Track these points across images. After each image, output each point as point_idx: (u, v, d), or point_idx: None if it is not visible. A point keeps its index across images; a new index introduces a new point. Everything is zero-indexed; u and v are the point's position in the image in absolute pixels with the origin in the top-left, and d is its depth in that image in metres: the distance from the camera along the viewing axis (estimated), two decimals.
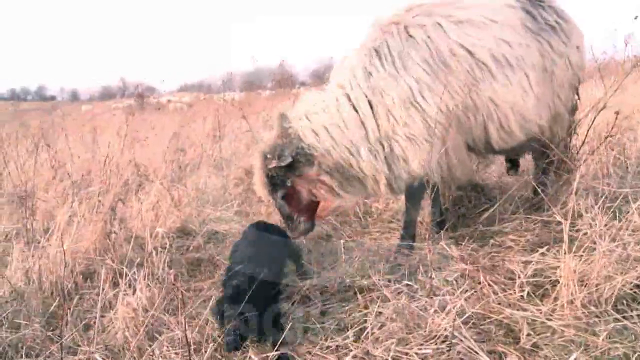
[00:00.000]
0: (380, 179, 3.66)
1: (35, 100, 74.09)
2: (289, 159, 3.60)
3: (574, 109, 4.29)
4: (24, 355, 2.92)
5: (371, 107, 3.59)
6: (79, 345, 2.94)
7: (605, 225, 3.16)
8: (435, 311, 2.76)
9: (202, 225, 4.78)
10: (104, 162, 5.26)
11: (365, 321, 2.87)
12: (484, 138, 3.78)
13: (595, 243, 2.98)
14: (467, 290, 3.00)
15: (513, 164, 4.90)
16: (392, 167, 3.65)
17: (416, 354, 2.52)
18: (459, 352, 2.50)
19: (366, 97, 3.60)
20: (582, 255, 2.92)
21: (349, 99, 3.64)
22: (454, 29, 3.66)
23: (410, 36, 3.65)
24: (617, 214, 3.34)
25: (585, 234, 3.27)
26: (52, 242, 3.91)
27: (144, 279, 3.32)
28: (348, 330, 2.85)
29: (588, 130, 4.26)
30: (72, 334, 3.02)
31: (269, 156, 3.69)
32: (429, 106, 3.50)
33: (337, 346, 2.74)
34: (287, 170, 3.66)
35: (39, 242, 4.09)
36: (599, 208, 3.32)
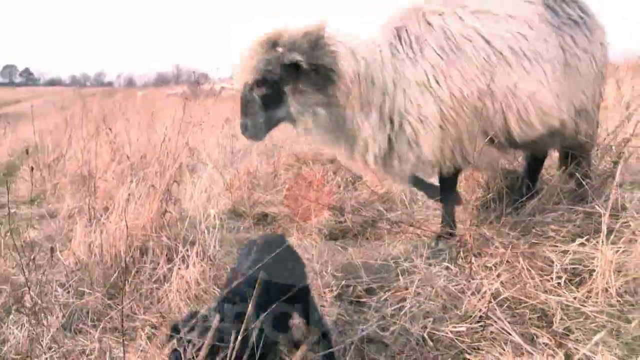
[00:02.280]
0: (370, 148, 3.53)
1: (94, 86, 76.43)
2: (314, 60, 3.26)
3: (599, 105, 4.25)
4: (88, 320, 3.17)
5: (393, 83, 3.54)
6: (135, 313, 3.17)
7: None
8: (472, 293, 2.86)
9: (252, 208, 4.98)
10: (159, 146, 5.51)
11: (405, 299, 3.00)
12: (505, 128, 3.73)
13: (635, 234, 3.03)
14: (503, 275, 3.08)
15: (532, 176, 4.61)
16: (395, 146, 3.56)
17: (450, 331, 2.65)
18: (492, 332, 2.61)
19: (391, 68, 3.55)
20: (620, 247, 2.98)
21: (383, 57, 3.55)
22: (472, 18, 3.66)
23: (428, 23, 3.65)
24: None
25: (628, 226, 3.31)
26: (111, 219, 4.18)
27: (196, 256, 3.52)
28: (388, 308, 2.98)
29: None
30: (130, 302, 3.25)
31: (280, 47, 3.30)
32: (442, 92, 3.51)
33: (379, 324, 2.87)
34: (290, 74, 3.28)
35: (99, 219, 4.36)
36: None
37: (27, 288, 3.08)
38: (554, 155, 4.67)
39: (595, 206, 3.35)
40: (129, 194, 4.52)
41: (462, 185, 4.66)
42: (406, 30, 3.66)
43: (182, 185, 5.37)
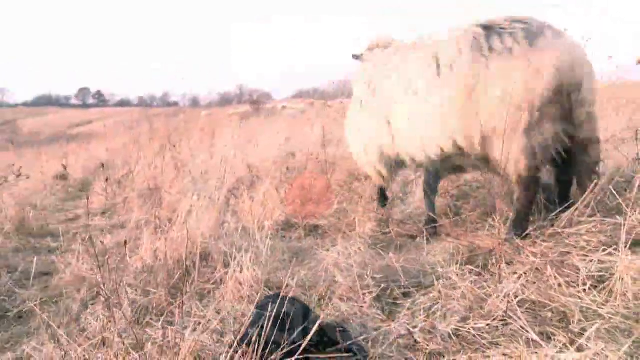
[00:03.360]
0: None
1: (160, 106, 79.18)
2: None
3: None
4: (152, 315, 3.59)
5: None
6: (193, 310, 3.56)
7: None
8: (498, 296, 3.11)
9: (304, 220, 5.33)
10: (220, 162, 5.98)
11: (437, 301, 3.28)
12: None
13: None
14: (530, 280, 3.31)
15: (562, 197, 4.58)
16: None
17: (473, 328, 2.90)
18: (511, 330, 2.85)
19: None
20: None
21: None
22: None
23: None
24: None
25: None
26: (175, 228, 4.62)
27: (250, 261, 3.89)
28: (421, 311, 3.26)
29: None
30: (190, 302, 3.64)
31: None
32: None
33: (410, 323, 3.15)
34: None
35: (164, 229, 4.81)
36: None
37: (102, 284, 3.50)
38: None
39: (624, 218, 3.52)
40: (191, 206, 4.96)
41: (501, 198, 4.88)
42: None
43: (240, 198, 5.80)
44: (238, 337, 2.65)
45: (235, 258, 3.93)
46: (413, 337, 2.98)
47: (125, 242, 4.13)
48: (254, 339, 2.50)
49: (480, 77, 4.01)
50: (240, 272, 3.81)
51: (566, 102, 3.92)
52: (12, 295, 4.33)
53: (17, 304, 4.13)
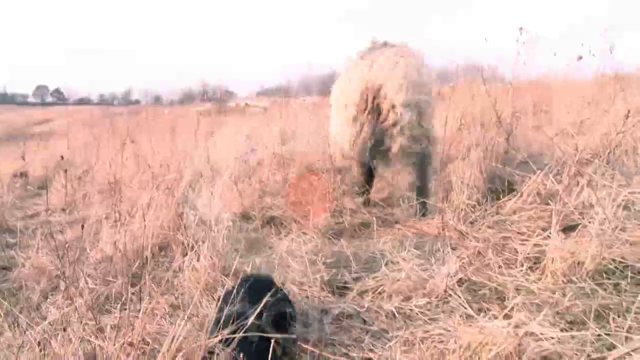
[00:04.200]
0: None
1: (121, 104, 78.25)
2: None
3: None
4: (112, 302, 3.71)
5: None
6: (152, 297, 3.69)
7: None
8: (439, 277, 3.33)
9: (261, 212, 5.49)
10: (180, 158, 6.09)
11: (384, 284, 3.49)
12: None
13: (587, 227, 3.47)
14: (472, 262, 3.55)
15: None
16: None
17: (415, 305, 3.12)
18: (451, 307, 3.07)
19: None
20: (574, 238, 3.43)
21: None
22: None
23: None
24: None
25: (591, 222, 3.75)
26: (134, 220, 4.73)
27: (207, 250, 4.03)
28: (369, 292, 3.46)
29: None
30: (148, 288, 3.77)
31: None
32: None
33: (358, 303, 3.35)
34: None
35: (124, 222, 4.91)
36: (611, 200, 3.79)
37: (62, 273, 3.61)
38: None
39: (566, 205, 3.81)
40: (150, 198, 5.07)
41: (454, 188, 5.12)
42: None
43: (199, 192, 5.92)
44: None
45: (192, 248, 4.07)
46: (360, 316, 3.18)
47: (83, 226, 4.23)
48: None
49: None
50: (198, 260, 3.95)
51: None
52: None
53: None
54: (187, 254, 4.08)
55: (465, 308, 3.03)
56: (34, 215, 7.73)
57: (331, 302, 3.40)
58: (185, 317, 2.46)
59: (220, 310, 2.65)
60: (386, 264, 3.80)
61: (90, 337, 2.86)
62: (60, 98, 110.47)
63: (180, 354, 2.29)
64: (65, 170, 7.92)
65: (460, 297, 3.11)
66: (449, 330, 2.82)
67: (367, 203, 5.59)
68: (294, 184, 5.75)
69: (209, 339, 2.46)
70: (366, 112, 4.80)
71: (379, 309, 3.22)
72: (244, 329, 2.41)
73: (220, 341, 2.43)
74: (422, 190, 5.10)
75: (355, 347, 2.87)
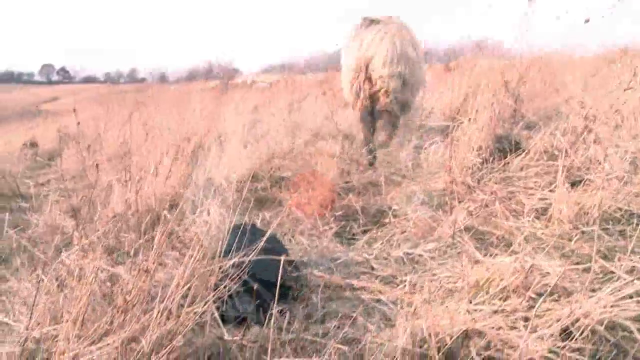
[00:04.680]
0: None
1: (127, 82, 78.08)
2: None
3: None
4: (125, 256, 3.79)
5: None
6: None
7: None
8: (447, 224, 3.38)
9: (270, 172, 5.54)
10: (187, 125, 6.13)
11: (393, 234, 3.54)
12: None
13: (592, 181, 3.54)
14: (479, 213, 3.59)
15: None
16: None
17: (424, 250, 3.17)
18: (458, 252, 3.12)
19: None
20: (580, 190, 3.48)
21: None
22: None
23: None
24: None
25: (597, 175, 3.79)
26: (145, 182, 4.79)
27: (217, 206, 4.09)
28: (377, 242, 3.52)
29: None
30: (159, 240, 3.84)
31: None
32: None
33: (367, 251, 3.41)
34: None
35: (135, 181, 4.97)
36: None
37: (76, 227, 3.68)
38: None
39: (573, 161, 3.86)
40: (159, 160, 5.13)
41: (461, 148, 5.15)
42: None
43: (208, 154, 5.98)
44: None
45: (202, 204, 4.13)
46: (369, 263, 3.24)
47: (95, 183, 4.29)
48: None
49: None
50: (208, 214, 4.01)
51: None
52: None
53: None
54: (196, 213, 4.15)
55: (472, 252, 3.07)
56: (44, 184, 7.82)
57: (340, 252, 3.46)
58: (198, 247, 2.50)
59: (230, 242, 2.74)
60: (395, 216, 3.85)
61: (108, 267, 2.93)
62: (66, 77, 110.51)
63: (195, 278, 2.34)
64: (78, 142, 7.99)
65: (467, 242, 3.15)
66: (457, 272, 2.87)
67: (373, 164, 5.78)
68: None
69: (221, 261, 2.52)
70: (361, 79, 5.68)
71: (388, 256, 3.28)
72: (256, 249, 2.49)
73: (232, 265, 2.51)
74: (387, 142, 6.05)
75: (365, 289, 2.93)
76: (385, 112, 5.72)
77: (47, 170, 9.25)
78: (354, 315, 2.52)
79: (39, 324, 2.37)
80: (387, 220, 3.86)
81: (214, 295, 2.31)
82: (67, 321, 2.14)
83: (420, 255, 3.20)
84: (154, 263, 2.39)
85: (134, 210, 4.36)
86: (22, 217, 5.31)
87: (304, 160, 6.01)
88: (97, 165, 7.01)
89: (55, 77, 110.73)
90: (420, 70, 5.86)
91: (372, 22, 5.84)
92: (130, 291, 2.23)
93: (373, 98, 5.67)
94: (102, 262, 2.73)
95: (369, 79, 5.61)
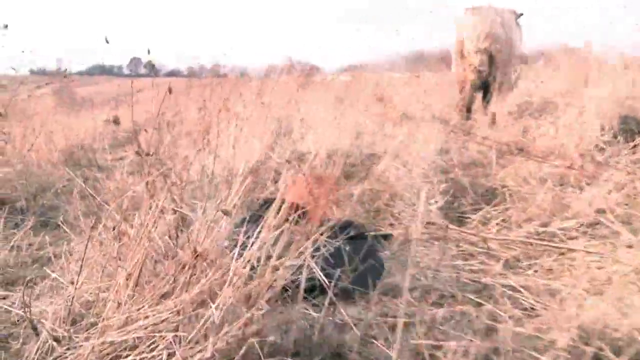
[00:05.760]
0: None
1: (210, 76, 79.82)
2: None
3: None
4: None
5: None
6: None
7: None
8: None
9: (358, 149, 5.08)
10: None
11: (511, 213, 2.96)
12: None
13: None
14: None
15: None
16: None
17: (559, 229, 2.57)
18: (600, 234, 2.53)
19: None
20: None
21: None
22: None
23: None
24: None
25: None
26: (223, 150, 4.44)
27: (301, 175, 3.65)
28: (492, 221, 2.94)
29: None
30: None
31: None
32: None
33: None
34: None
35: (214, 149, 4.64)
36: None
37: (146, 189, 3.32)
38: None
39: None
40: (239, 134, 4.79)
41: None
42: None
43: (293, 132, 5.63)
44: None
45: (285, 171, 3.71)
46: (487, 244, 2.67)
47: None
48: None
49: None
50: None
51: None
52: (56, 208, 4.24)
53: (59, 215, 4.02)
54: (278, 182, 3.74)
55: (621, 235, 2.44)
56: (121, 159, 7.70)
57: (447, 228, 2.89)
58: None
59: None
60: (510, 195, 3.26)
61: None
62: (152, 70, 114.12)
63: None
64: (158, 115, 7.82)
65: (614, 222, 2.52)
66: (607, 258, 2.25)
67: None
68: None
69: None
70: (458, 56, 6.77)
71: (508, 236, 2.70)
72: None
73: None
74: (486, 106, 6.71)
75: (482, 271, 2.37)
76: (477, 84, 6.61)
77: (125, 148, 9.18)
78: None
79: (85, 281, 1.93)
80: (501, 200, 3.27)
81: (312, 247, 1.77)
82: (120, 278, 1.69)
83: (553, 234, 2.58)
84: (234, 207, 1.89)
85: (210, 178, 3.99)
86: (95, 185, 5.09)
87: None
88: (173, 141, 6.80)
89: (142, 70, 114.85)
90: (511, 49, 6.60)
91: (474, 9, 6.69)
92: (201, 241, 1.74)
93: (467, 72, 6.62)
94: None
95: (463, 55, 6.57)
